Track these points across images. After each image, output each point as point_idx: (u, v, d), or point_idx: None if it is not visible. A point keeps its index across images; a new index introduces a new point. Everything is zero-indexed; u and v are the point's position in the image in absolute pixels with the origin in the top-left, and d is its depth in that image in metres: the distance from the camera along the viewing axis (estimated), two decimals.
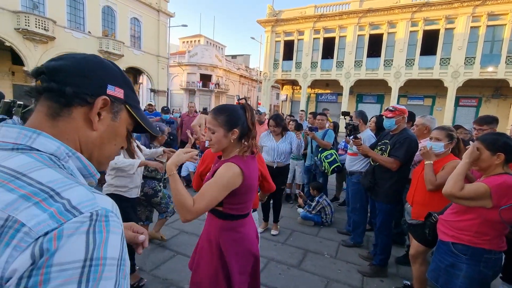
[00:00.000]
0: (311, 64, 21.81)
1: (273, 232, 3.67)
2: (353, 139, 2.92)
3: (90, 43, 16.10)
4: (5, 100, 2.15)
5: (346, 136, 3.35)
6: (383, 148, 2.82)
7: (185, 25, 22.42)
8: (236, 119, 1.35)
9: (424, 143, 2.45)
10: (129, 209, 2.41)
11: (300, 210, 4.31)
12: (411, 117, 3.45)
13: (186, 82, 31.97)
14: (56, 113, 0.51)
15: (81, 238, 0.37)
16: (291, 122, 4.85)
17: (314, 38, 21.64)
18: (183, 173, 5.57)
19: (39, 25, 13.59)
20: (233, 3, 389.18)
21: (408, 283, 2.61)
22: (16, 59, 14.59)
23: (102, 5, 17.39)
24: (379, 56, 19.68)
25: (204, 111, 6.15)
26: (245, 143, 1.38)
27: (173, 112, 8.65)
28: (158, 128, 2.96)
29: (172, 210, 3.20)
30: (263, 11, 23.69)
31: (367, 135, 3.52)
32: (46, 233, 0.36)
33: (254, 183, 1.41)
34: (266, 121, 5.02)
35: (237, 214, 1.41)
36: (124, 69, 15.49)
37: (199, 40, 42.26)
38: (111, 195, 2.29)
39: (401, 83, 18.93)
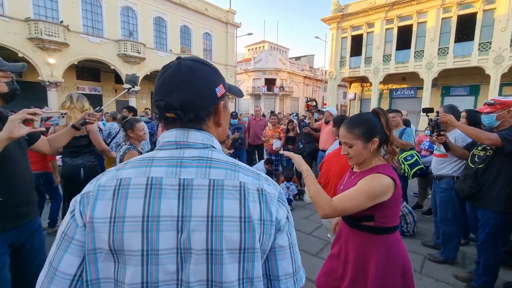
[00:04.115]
0: (384, 57, 19.91)
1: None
2: (436, 136, 2.56)
3: (171, 60, 18.56)
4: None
5: (429, 136, 2.92)
6: (487, 149, 2.34)
7: (251, 33, 23.44)
8: (373, 127, 1.31)
9: None
10: None
11: None
12: None
13: (252, 88, 33.24)
14: (201, 128, 0.69)
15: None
16: None
17: (386, 29, 19.72)
18: None
19: (133, 49, 16.88)
20: (296, 5, 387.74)
21: None
22: (118, 79, 17.93)
23: (180, 25, 19.80)
24: (471, 39, 16.59)
25: (272, 114, 6.28)
26: (385, 149, 1.35)
27: (241, 116, 9.09)
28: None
29: None
30: (327, 9, 22.76)
31: (459, 133, 2.98)
32: (277, 197, 0.65)
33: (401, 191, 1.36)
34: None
35: (392, 226, 1.33)
36: None
37: (263, 46, 43.47)
38: None
39: (504, 69, 15.50)
